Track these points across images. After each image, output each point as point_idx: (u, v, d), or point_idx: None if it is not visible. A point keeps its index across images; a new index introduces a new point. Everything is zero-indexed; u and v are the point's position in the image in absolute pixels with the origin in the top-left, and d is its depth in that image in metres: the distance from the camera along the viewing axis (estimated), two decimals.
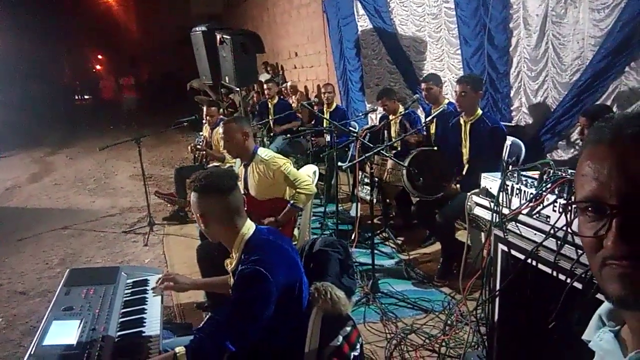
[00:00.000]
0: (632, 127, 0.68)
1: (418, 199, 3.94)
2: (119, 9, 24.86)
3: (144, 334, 1.92)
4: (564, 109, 4.32)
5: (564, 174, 1.69)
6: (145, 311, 2.09)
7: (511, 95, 5.00)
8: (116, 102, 20.37)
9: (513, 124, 4.93)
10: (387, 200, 5.02)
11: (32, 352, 1.72)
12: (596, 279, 0.74)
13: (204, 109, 5.80)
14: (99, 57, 29.15)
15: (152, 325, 1.99)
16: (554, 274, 1.56)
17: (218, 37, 7.01)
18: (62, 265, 4.59)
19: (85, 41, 25.00)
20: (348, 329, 1.85)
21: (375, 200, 4.19)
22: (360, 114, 6.61)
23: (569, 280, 1.48)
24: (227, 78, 7.07)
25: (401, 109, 5.18)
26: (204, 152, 5.59)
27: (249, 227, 1.90)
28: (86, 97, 23.51)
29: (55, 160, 10.72)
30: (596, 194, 0.69)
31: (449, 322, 3.03)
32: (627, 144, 0.67)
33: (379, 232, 4.66)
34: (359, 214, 4.53)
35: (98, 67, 29.53)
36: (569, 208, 1.42)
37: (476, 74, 4.68)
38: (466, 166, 3.79)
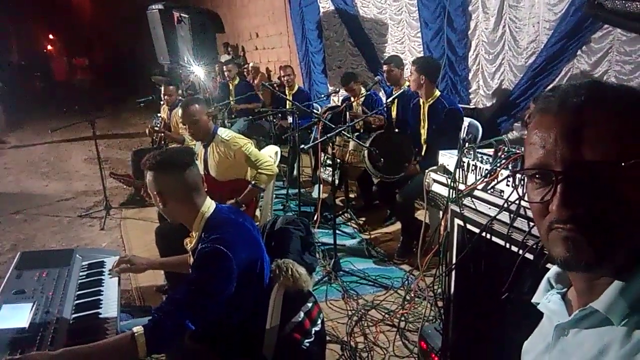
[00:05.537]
0: (576, 97, 0.70)
1: (379, 179, 3.99)
2: None
3: (100, 316, 1.87)
4: (520, 92, 4.45)
5: (517, 151, 1.75)
6: (102, 293, 2.04)
7: (469, 77, 5.10)
8: (69, 83, 19.47)
9: (471, 106, 5.04)
10: (349, 181, 5.06)
11: None
12: (544, 244, 0.77)
13: (162, 88, 5.64)
14: (50, 37, 27.78)
15: (109, 307, 1.94)
16: (507, 246, 1.61)
17: (175, 15, 6.79)
18: (14, 250, 4.41)
19: (35, 20, 23.72)
20: (309, 305, 1.87)
21: (337, 182, 4.22)
22: (323, 96, 6.59)
23: (521, 252, 1.53)
24: (185, 58, 6.88)
25: (363, 90, 5.20)
26: (162, 134, 5.44)
27: (208, 205, 1.87)
28: (37, 73, 22.13)
29: (6, 144, 10.22)
30: (542, 161, 0.71)
31: (407, 297, 3.11)
32: (571, 113, 0.70)
33: (340, 212, 4.70)
34: (321, 196, 4.55)
35: (49, 47, 28.14)
36: (517, 176, 1.48)
37: (428, 57, 4.77)
38: (424, 147, 3.85)
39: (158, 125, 5.53)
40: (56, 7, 23.42)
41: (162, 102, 5.74)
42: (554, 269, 0.88)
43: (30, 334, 1.66)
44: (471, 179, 1.88)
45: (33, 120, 12.43)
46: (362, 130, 4.98)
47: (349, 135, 3.99)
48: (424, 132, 3.82)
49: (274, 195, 3.98)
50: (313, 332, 1.84)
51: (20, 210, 5.63)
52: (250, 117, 5.94)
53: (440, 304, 2.18)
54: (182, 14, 6.67)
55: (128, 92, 12.67)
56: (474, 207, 1.84)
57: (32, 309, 1.80)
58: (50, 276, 2.09)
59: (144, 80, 11.86)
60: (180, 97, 5.73)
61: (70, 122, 5.67)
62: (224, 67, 7.11)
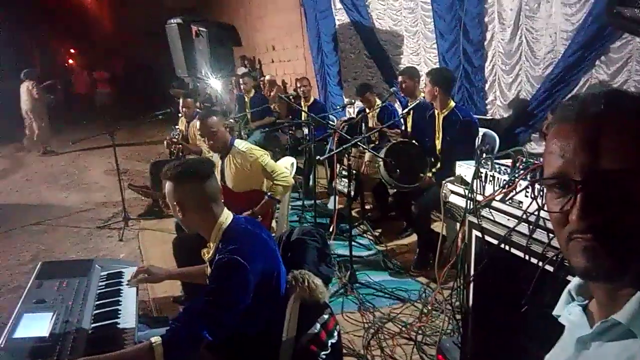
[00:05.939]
0: (595, 105, 0.70)
1: (395, 190, 3.98)
2: (91, 1, 24.31)
3: (118, 326, 1.89)
4: (537, 102, 4.40)
5: (536, 161, 1.73)
6: (120, 303, 2.06)
7: (486, 88, 5.07)
8: (90, 96, 19.87)
9: (488, 117, 5.01)
10: (365, 193, 5.05)
11: (1, 345, 1.68)
12: (564, 254, 0.76)
13: (180, 101, 5.73)
14: (71, 51, 28.44)
15: (128, 317, 1.96)
16: (527, 257, 1.59)
17: (194, 29, 6.92)
18: (35, 261, 4.47)
19: (56, 35, 24.31)
20: (325, 316, 1.86)
21: (352, 193, 4.21)
22: (338, 107, 6.61)
23: (540, 263, 1.51)
24: (202, 71, 6.99)
25: (378, 102, 5.21)
26: (181, 146, 5.51)
27: (226, 216, 1.88)
28: (58, 87, 22.47)
29: (27, 156, 10.44)
30: (562, 171, 0.71)
31: (425, 310, 3.07)
32: (590, 122, 0.69)
33: (356, 224, 4.68)
34: (337, 207, 4.55)
35: (70, 61, 28.79)
36: (536, 186, 1.46)
37: (442, 68, 4.77)
38: (440, 158, 3.83)
39: (176, 137, 5.60)
40: (77, 23, 24.02)
41: (180, 115, 5.83)
42: (575, 281, 0.87)
43: (50, 343, 1.68)
44: (489, 189, 1.87)
45: (54, 131, 12.67)
46: (377, 142, 4.98)
47: (364, 147, 3.99)
48: (438, 143, 3.81)
49: (290, 207, 4.00)
50: (329, 344, 1.83)
51: (41, 221, 5.73)
52: (267, 128, 5.99)
53: (458, 316, 2.15)
54: (200, 28, 6.80)
55: (147, 105, 12.85)
56: (492, 218, 1.82)
57: (52, 319, 1.83)
58: (70, 286, 2.12)
59: (162, 92, 12.03)
60: (197, 110, 5.80)
61: (90, 134, 5.78)
62: (240, 79, 7.20)
